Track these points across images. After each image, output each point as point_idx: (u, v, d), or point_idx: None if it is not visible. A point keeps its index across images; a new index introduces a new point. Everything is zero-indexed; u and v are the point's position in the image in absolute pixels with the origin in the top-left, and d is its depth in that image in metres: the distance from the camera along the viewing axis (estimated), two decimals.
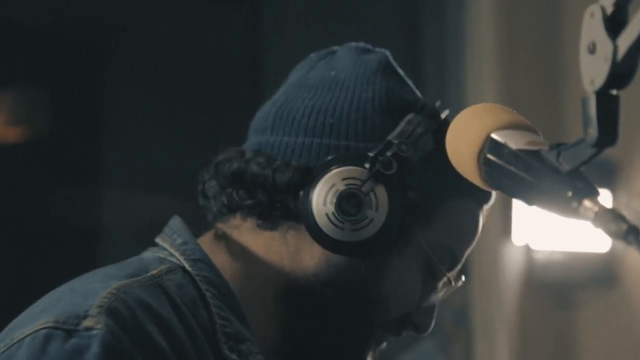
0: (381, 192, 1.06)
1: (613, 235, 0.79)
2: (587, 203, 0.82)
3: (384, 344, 1.13)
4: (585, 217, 0.82)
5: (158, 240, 1.08)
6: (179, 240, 1.05)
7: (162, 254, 1.04)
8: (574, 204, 0.82)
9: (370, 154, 1.06)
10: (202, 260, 1.03)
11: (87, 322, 0.90)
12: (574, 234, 3.25)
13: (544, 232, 3.25)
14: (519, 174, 0.89)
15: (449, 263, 1.12)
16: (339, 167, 1.05)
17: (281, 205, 1.06)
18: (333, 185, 1.05)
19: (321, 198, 1.04)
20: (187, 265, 1.02)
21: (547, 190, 0.86)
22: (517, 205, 3.21)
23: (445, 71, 3.37)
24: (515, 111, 0.96)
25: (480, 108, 0.97)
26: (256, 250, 1.07)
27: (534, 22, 3.38)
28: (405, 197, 1.07)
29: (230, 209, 1.09)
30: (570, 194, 0.83)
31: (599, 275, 3.27)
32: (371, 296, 1.07)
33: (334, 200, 1.04)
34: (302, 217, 1.05)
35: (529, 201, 0.90)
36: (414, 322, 1.12)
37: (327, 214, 1.04)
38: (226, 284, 1.03)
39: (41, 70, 2.76)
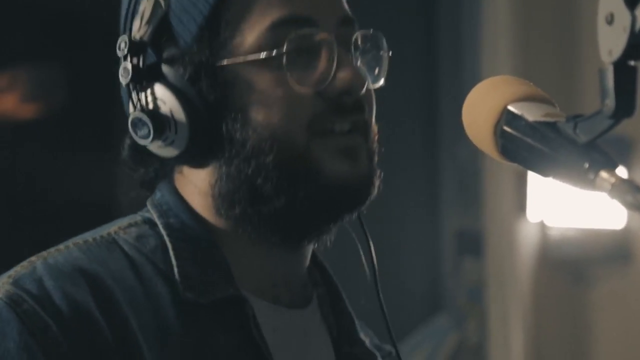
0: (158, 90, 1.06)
1: (630, 206, 0.79)
2: (603, 174, 0.81)
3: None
4: (602, 189, 0.81)
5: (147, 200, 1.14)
6: (158, 195, 1.11)
7: (141, 212, 1.12)
8: (591, 176, 0.82)
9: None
10: (171, 208, 1.09)
11: None
12: (588, 211, 3.24)
13: (559, 208, 3.25)
14: (536, 145, 0.88)
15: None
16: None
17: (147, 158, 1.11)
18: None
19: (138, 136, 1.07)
20: (156, 217, 1.09)
21: (564, 162, 0.85)
22: (532, 181, 3.21)
23: (461, 46, 3.35)
24: (531, 83, 0.96)
25: (497, 80, 0.97)
26: (191, 189, 1.10)
27: None
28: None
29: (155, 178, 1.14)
30: (587, 165, 0.82)
31: (614, 252, 3.26)
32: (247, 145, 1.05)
33: (131, 129, 1.06)
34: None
35: (546, 173, 0.89)
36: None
37: (145, 140, 1.06)
38: (191, 226, 1.08)
39: (55, 46, 2.76)
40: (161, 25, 1.06)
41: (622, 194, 0.79)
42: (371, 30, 1.11)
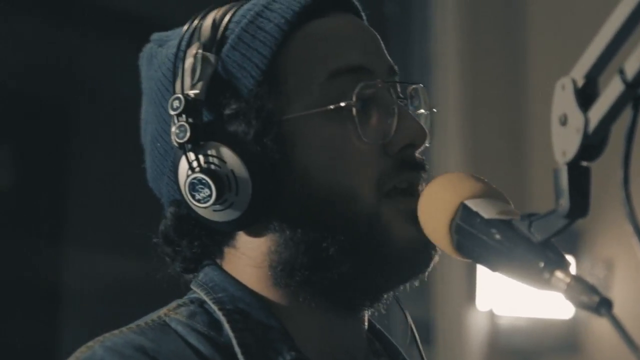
0: (220, 150, 0.99)
1: (584, 307, 0.79)
2: (559, 274, 0.82)
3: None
4: (557, 288, 0.82)
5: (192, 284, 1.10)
6: (201, 276, 1.06)
7: (187, 296, 1.07)
8: (546, 275, 0.82)
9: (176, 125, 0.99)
10: (217, 284, 1.04)
11: None
12: (537, 300, 3.26)
13: (508, 297, 3.26)
14: (491, 243, 0.89)
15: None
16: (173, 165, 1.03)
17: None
18: (184, 181, 1.01)
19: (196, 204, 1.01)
20: (203, 295, 1.03)
21: (519, 260, 0.86)
22: (482, 271, 3.22)
23: None
24: (487, 180, 0.96)
25: (453, 176, 0.97)
26: (242, 266, 1.05)
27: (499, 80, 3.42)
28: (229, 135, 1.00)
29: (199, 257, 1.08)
30: (542, 264, 0.83)
31: (563, 341, 3.27)
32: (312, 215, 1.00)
33: (188, 192, 1.00)
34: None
35: (500, 270, 0.90)
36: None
37: (203, 209, 1.00)
38: (241, 298, 1.02)
39: (5, 125, 2.74)
40: (214, 82, 1.00)
41: (577, 294, 0.79)
42: (420, 85, 1.07)
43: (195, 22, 1.04)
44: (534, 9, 3.50)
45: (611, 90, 0.77)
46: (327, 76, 1.01)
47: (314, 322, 1.04)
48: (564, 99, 0.81)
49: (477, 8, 3.46)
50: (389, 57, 1.07)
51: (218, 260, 1.06)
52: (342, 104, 1.00)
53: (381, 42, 1.07)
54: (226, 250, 1.06)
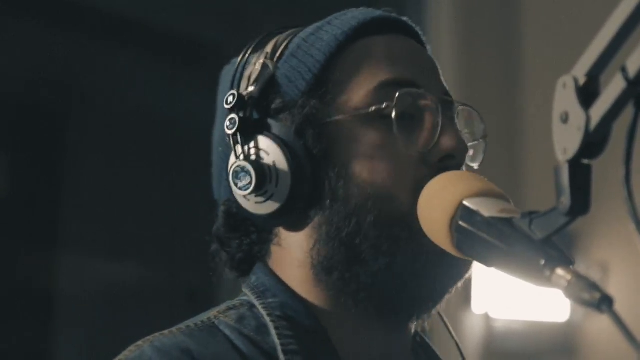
0: (262, 142, 1.05)
1: (586, 304, 0.79)
2: (560, 271, 0.82)
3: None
4: (558, 286, 0.82)
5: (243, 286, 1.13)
6: (253, 279, 1.09)
7: (238, 298, 1.10)
8: (547, 273, 0.82)
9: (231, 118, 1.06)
10: (268, 289, 1.07)
11: None
12: (533, 304, 3.26)
13: (503, 301, 3.26)
14: (491, 241, 0.89)
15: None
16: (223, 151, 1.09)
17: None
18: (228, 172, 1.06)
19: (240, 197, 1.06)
20: (254, 299, 1.07)
21: (520, 258, 0.86)
22: (477, 274, 3.22)
23: None
24: (486, 179, 0.97)
25: (453, 176, 0.98)
26: (291, 266, 1.08)
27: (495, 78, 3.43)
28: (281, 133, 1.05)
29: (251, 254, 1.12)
30: (543, 262, 0.83)
31: (558, 344, 3.27)
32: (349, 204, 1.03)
33: (232, 180, 1.05)
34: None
35: (501, 268, 0.90)
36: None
37: (245, 200, 1.05)
38: (290, 305, 1.05)
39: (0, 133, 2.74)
40: (270, 85, 1.07)
41: (578, 291, 0.79)
42: (471, 107, 1.10)
43: (261, 38, 1.11)
44: (529, 10, 3.50)
45: (613, 88, 0.77)
46: (375, 85, 1.05)
47: (356, 329, 1.06)
48: (565, 97, 0.81)
49: (471, 10, 3.47)
50: (444, 84, 1.10)
51: (268, 261, 1.09)
52: (382, 106, 1.03)
53: (438, 70, 1.11)
54: (274, 249, 1.09)
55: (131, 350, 1.02)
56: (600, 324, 3.14)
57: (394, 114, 1.03)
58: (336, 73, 1.06)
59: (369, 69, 1.06)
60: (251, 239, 1.10)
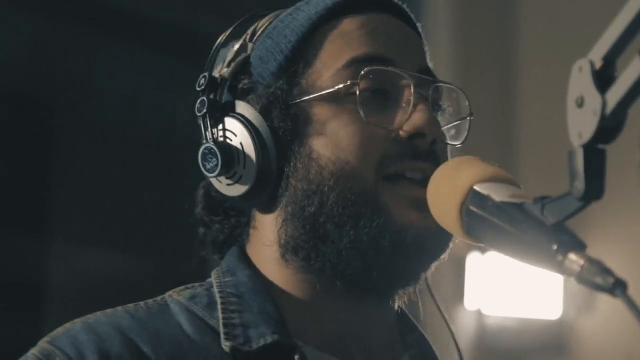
0: (230, 124, 1.06)
1: (599, 288, 0.78)
2: (572, 256, 0.81)
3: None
4: (570, 271, 0.81)
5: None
6: (223, 261, 1.10)
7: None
8: (559, 257, 0.82)
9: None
10: (229, 269, 1.08)
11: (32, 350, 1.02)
12: (525, 300, 3.26)
13: (496, 297, 3.26)
14: (502, 226, 0.88)
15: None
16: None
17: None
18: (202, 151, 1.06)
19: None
20: (213, 278, 1.08)
21: (531, 243, 0.85)
22: (470, 270, 3.22)
23: None
24: (496, 164, 0.96)
25: (463, 160, 0.97)
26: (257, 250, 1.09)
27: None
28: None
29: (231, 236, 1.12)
30: (555, 247, 0.82)
31: (550, 341, 3.27)
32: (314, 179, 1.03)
33: (201, 163, 1.06)
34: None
35: (512, 254, 0.89)
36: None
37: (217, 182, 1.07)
38: (244, 282, 1.05)
39: None
40: (242, 65, 1.08)
41: (591, 276, 0.79)
42: (453, 85, 1.09)
43: (243, 19, 1.12)
44: (525, 8, 3.50)
45: (631, 72, 0.77)
46: (344, 63, 1.04)
47: (320, 306, 1.05)
48: (581, 81, 0.81)
49: (468, 9, 3.47)
50: (425, 59, 1.08)
51: (247, 244, 1.10)
52: (347, 84, 1.03)
53: (421, 44, 1.09)
54: (251, 232, 1.09)
55: (64, 326, 1.03)
56: (592, 322, 3.15)
57: (357, 91, 1.02)
58: (308, 53, 1.06)
59: (339, 47, 1.05)
60: (231, 222, 1.11)
